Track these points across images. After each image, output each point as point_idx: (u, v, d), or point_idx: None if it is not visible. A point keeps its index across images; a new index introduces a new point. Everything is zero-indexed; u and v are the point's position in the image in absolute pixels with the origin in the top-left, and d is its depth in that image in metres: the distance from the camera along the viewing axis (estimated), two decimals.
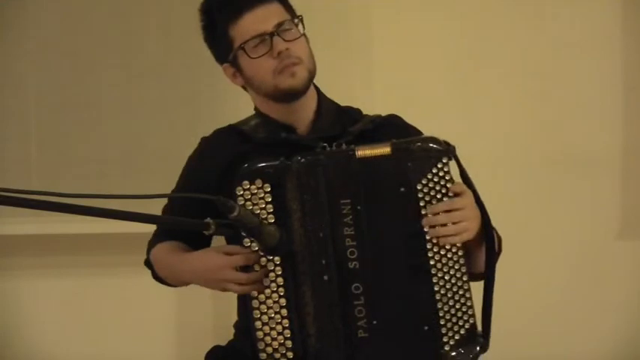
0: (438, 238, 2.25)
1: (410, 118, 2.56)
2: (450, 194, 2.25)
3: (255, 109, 2.53)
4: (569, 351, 4.01)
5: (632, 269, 4.04)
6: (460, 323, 2.27)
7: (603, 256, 4.02)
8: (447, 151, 2.26)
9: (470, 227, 2.26)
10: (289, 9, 2.46)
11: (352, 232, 2.26)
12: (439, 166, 2.25)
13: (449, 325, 2.27)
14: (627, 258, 4.03)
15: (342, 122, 2.48)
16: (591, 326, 4.00)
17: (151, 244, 2.56)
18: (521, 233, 3.80)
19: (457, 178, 2.31)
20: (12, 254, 3.99)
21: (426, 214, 2.24)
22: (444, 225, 2.24)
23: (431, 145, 2.27)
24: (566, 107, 4.02)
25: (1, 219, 3.82)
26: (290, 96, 2.43)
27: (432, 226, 2.24)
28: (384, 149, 2.27)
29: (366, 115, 2.53)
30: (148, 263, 2.57)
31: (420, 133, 2.51)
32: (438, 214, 2.24)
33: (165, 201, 2.58)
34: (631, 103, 4.02)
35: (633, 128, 4.01)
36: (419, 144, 2.27)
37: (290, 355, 2.26)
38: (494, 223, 2.35)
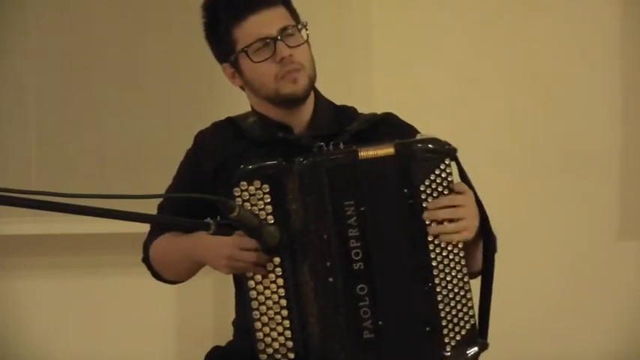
0: (439, 235, 2.25)
1: (410, 118, 2.55)
2: (452, 194, 2.25)
3: (252, 108, 2.53)
4: (570, 351, 4.00)
5: (632, 269, 4.03)
6: (461, 324, 2.27)
7: (603, 257, 4.02)
8: (450, 152, 2.26)
9: (470, 226, 2.26)
10: (294, 14, 2.45)
11: (357, 234, 2.25)
12: (442, 167, 2.25)
13: (450, 326, 2.26)
14: (627, 258, 4.03)
15: (338, 121, 2.48)
16: (591, 326, 4.00)
17: (148, 241, 2.56)
18: (521, 233, 3.81)
19: (457, 179, 2.31)
20: (12, 254, 3.99)
21: (427, 209, 2.24)
22: (446, 221, 2.24)
23: (434, 146, 2.26)
24: (565, 107, 4.02)
25: (1, 219, 3.82)
26: (290, 102, 2.42)
27: (434, 223, 2.24)
28: (388, 150, 2.26)
29: (362, 113, 2.53)
30: (146, 261, 2.56)
31: (416, 131, 2.51)
32: (440, 209, 2.24)
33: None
34: (630, 103, 4.02)
35: (633, 128, 4.01)
36: (421, 145, 2.26)
37: (291, 355, 2.25)
38: (493, 222, 2.35)
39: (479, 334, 2.31)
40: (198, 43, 2.53)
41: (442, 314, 2.25)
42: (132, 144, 4.00)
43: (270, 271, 2.26)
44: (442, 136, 2.29)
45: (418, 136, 2.32)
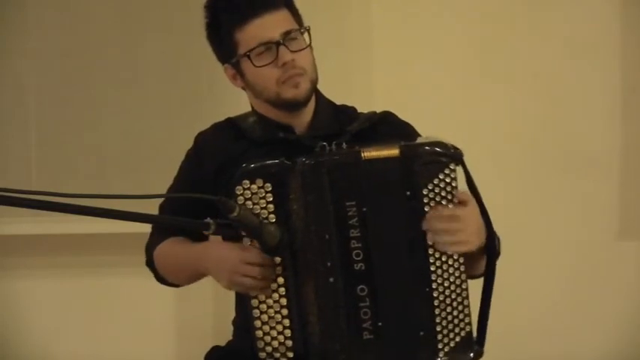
0: (436, 244, 2.23)
1: (410, 118, 2.55)
2: (455, 201, 2.22)
3: (253, 108, 2.52)
4: (569, 351, 4.00)
5: (632, 269, 4.04)
6: (456, 331, 2.25)
7: (603, 257, 4.02)
8: (455, 156, 2.23)
9: (469, 240, 2.24)
10: (297, 16, 2.44)
11: (358, 234, 2.24)
12: (446, 172, 2.22)
13: (445, 331, 2.25)
14: (627, 258, 4.03)
15: (338, 121, 2.47)
16: (591, 326, 4.00)
17: (151, 244, 2.55)
18: (521, 233, 3.81)
19: (462, 182, 2.30)
20: (12, 254, 4.00)
21: (426, 218, 2.22)
22: (444, 232, 2.22)
23: (440, 150, 2.23)
24: (565, 107, 4.02)
25: (1, 219, 3.82)
26: (292, 106, 2.42)
27: (432, 231, 2.23)
28: (393, 151, 2.24)
29: (361, 113, 2.52)
30: (150, 264, 2.56)
31: (413, 129, 2.50)
32: (439, 219, 2.22)
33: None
34: (630, 103, 4.02)
35: (633, 128, 4.01)
36: (427, 148, 2.24)
37: (290, 354, 2.25)
38: (493, 223, 2.34)
39: (476, 342, 2.30)
40: (198, 43, 2.53)
41: (437, 319, 2.24)
42: (132, 144, 4.00)
43: (273, 291, 2.24)
44: (442, 136, 2.28)
45: (424, 139, 2.29)
